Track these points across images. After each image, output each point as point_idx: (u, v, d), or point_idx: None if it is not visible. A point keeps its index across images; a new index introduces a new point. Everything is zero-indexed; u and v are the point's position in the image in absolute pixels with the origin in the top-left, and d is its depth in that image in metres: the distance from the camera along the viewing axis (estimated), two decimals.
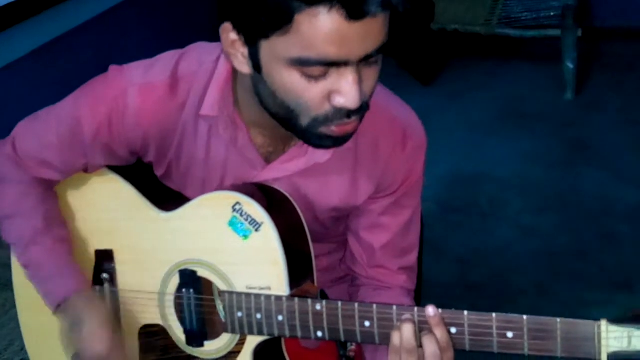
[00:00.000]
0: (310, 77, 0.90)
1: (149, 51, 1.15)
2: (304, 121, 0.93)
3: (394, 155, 1.09)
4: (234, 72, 1.03)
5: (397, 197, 1.13)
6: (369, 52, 0.89)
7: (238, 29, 0.93)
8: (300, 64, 0.88)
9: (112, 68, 1.09)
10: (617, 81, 3.41)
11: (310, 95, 0.91)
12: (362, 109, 0.93)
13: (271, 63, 0.91)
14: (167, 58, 1.08)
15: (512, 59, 3.67)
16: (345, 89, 0.90)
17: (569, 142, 3.02)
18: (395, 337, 0.95)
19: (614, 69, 3.51)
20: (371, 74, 0.93)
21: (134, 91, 1.05)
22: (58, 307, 1.13)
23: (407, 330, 0.94)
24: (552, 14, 3.42)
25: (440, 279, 2.26)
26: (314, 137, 0.95)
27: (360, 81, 0.90)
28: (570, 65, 3.26)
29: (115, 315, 1.17)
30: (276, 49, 0.89)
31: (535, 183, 2.78)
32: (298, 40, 0.87)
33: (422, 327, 0.95)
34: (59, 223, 1.18)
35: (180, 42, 1.17)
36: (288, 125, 0.96)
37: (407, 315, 0.96)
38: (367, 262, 1.17)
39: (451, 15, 3.52)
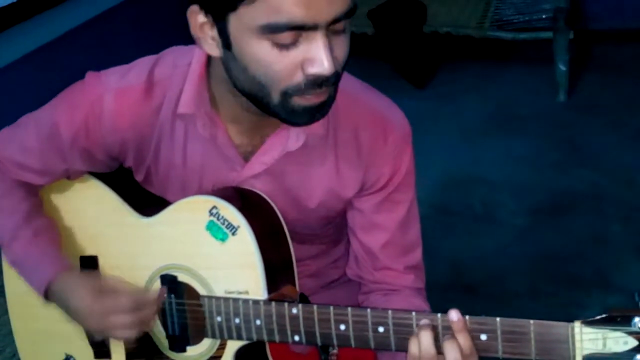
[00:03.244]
0: (281, 47, 0.90)
1: (140, 55, 1.15)
2: (276, 95, 0.93)
3: (375, 148, 1.09)
4: (208, 70, 1.04)
5: (387, 193, 1.11)
6: (337, 15, 0.89)
7: (205, 8, 0.93)
8: (270, 30, 0.88)
9: (89, 74, 1.10)
10: (609, 83, 3.41)
11: (281, 65, 0.91)
12: (335, 78, 0.93)
13: (241, 36, 0.91)
14: (143, 63, 1.09)
15: (504, 62, 3.67)
16: (317, 56, 0.90)
17: (562, 144, 3.02)
18: (414, 345, 0.92)
19: (606, 71, 3.51)
20: (341, 42, 0.93)
21: (109, 96, 1.06)
22: (46, 297, 1.12)
23: (426, 337, 0.91)
24: (544, 16, 3.42)
25: (434, 282, 2.25)
26: (288, 112, 0.95)
27: (330, 47, 0.90)
28: (563, 68, 3.26)
29: (99, 278, 1.14)
30: (244, 20, 0.89)
31: (529, 185, 2.78)
32: (265, 6, 0.87)
33: (443, 333, 0.91)
34: (39, 215, 1.18)
35: (168, 47, 1.17)
36: (261, 104, 0.96)
37: (425, 321, 0.93)
38: (372, 265, 1.16)
39: (443, 18, 3.52)
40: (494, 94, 3.43)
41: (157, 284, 1.11)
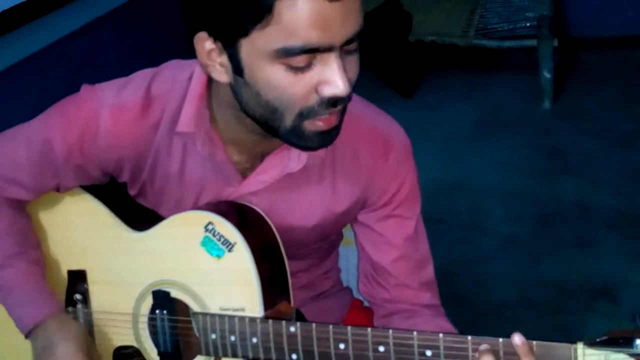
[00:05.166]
0: (296, 70, 0.88)
1: (126, 67, 1.13)
2: (289, 119, 0.92)
3: (376, 167, 1.08)
4: (209, 89, 1.02)
5: (392, 209, 1.11)
6: (350, 36, 0.88)
7: (214, 35, 0.92)
8: (284, 54, 0.87)
9: (84, 88, 1.08)
10: (594, 90, 3.44)
11: (295, 89, 0.89)
12: (349, 98, 0.93)
13: (253, 61, 0.89)
14: (140, 77, 1.07)
15: (489, 70, 3.70)
16: (332, 77, 0.89)
17: (547, 151, 3.04)
18: None
19: (590, 78, 3.54)
20: (353, 62, 0.92)
21: (105, 112, 1.04)
22: (29, 334, 1.11)
23: None
24: (528, 24, 3.45)
25: None
26: (299, 137, 0.93)
27: (344, 68, 0.90)
28: (547, 75, 3.29)
29: (89, 337, 1.15)
30: (258, 45, 0.88)
31: (515, 192, 2.79)
32: (280, 30, 0.86)
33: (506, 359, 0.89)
34: (32, 245, 1.16)
35: (156, 58, 1.15)
36: (271, 128, 0.94)
37: (485, 346, 0.90)
38: (385, 282, 1.14)
39: (428, 27, 3.54)
40: (479, 102, 3.45)
41: (149, 300, 1.10)
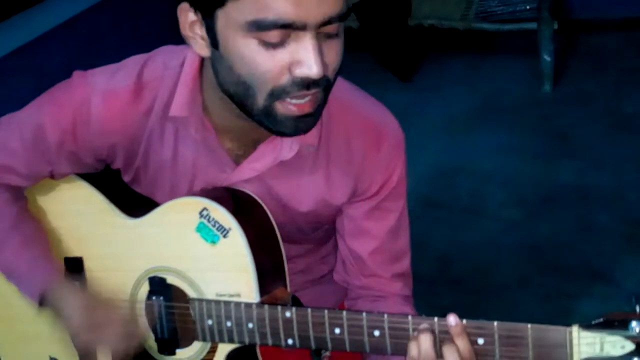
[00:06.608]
0: (268, 46, 0.88)
1: (125, 54, 1.12)
2: (261, 98, 0.91)
3: (369, 156, 1.07)
4: (201, 75, 1.02)
5: (378, 201, 1.10)
6: (327, 17, 0.87)
7: (195, 5, 0.92)
8: (257, 27, 0.87)
9: (76, 74, 1.08)
10: (594, 72, 3.42)
11: (267, 65, 0.89)
12: (324, 83, 0.91)
13: (228, 33, 0.89)
14: (132, 63, 1.06)
15: (489, 53, 3.67)
16: (305, 57, 0.87)
17: (548, 134, 3.03)
18: (413, 349, 0.92)
19: (590, 60, 3.52)
20: (333, 47, 0.91)
21: (97, 98, 1.04)
22: (41, 304, 1.10)
23: (426, 341, 0.91)
24: (527, 7, 3.43)
25: (422, 275, 2.25)
26: (272, 120, 0.92)
27: (320, 51, 0.88)
28: (548, 58, 3.27)
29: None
30: (232, 16, 0.88)
31: (515, 176, 2.78)
32: (253, 2, 0.86)
33: (441, 337, 0.91)
34: (27, 219, 1.15)
35: (155, 45, 1.15)
36: (245, 108, 0.94)
37: (424, 325, 0.92)
38: (360, 271, 1.15)
39: (428, 11, 3.51)
40: (479, 85, 3.43)
41: (145, 286, 1.10)
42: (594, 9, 3.70)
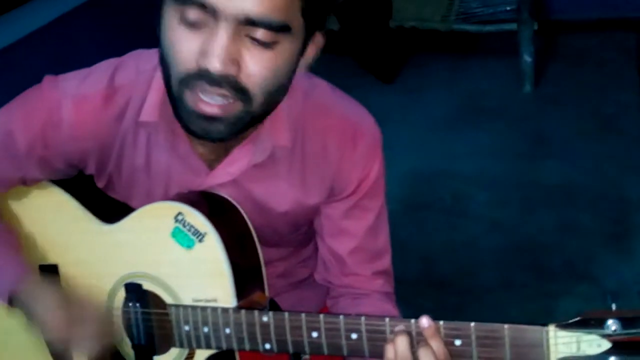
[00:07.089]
0: (186, 24, 0.87)
1: (103, 58, 1.11)
2: (175, 83, 0.91)
3: (345, 156, 1.06)
4: None
5: (356, 200, 1.09)
6: (244, 14, 0.85)
7: None
8: (178, 0, 0.86)
9: (47, 79, 1.06)
10: (575, 73, 3.45)
11: (181, 45, 0.88)
12: (233, 86, 0.88)
13: (164, 8, 0.90)
14: (103, 68, 1.05)
15: (470, 55, 3.69)
16: (209, 48, 0.86)
17: (529, 135, 3.04)
18: (390, 351, 0.91)
19: (570, 61, 3.54)
20: (259, 57, 0.88)
21: (68, 103, 1.02)
22: (10, 304, 1.08)
23: (402, 343, 0.90)
24: (508, 8, 3.45)
25: (405, 277, 2.25)
26: (182, 110, 0.92)
27: (235, 50, 0.86)
28: (528, 59, 3.29)
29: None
30: None
31: (497, 177, 2.79)
32: None
33: (418, 339, 0.90)
34: None
35: (137, 46, 1.14)
36: (169, 97, 0.93)
37: (400, 327, 0.91)
38: (341, 271, 1.14)
39: (409, 12, 3.53)
40: (460, 86, 3.44)
41: (121, 293, 1.08)
42: (574, 9, 3.73)
